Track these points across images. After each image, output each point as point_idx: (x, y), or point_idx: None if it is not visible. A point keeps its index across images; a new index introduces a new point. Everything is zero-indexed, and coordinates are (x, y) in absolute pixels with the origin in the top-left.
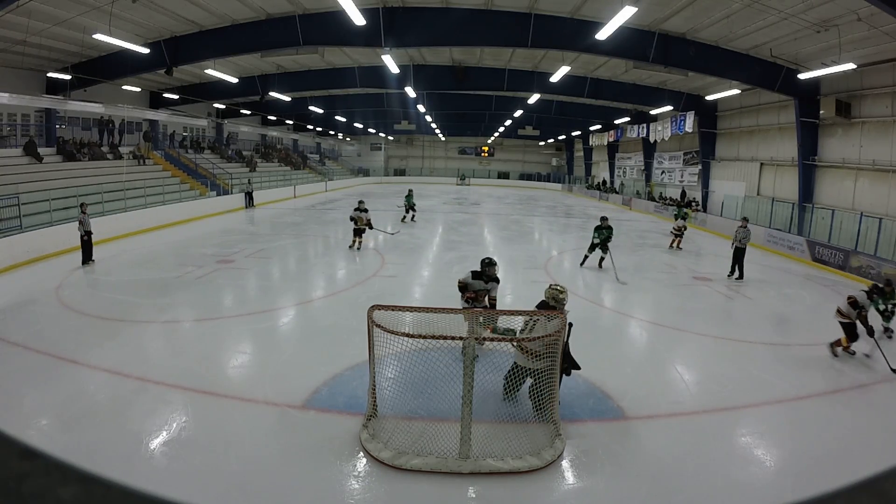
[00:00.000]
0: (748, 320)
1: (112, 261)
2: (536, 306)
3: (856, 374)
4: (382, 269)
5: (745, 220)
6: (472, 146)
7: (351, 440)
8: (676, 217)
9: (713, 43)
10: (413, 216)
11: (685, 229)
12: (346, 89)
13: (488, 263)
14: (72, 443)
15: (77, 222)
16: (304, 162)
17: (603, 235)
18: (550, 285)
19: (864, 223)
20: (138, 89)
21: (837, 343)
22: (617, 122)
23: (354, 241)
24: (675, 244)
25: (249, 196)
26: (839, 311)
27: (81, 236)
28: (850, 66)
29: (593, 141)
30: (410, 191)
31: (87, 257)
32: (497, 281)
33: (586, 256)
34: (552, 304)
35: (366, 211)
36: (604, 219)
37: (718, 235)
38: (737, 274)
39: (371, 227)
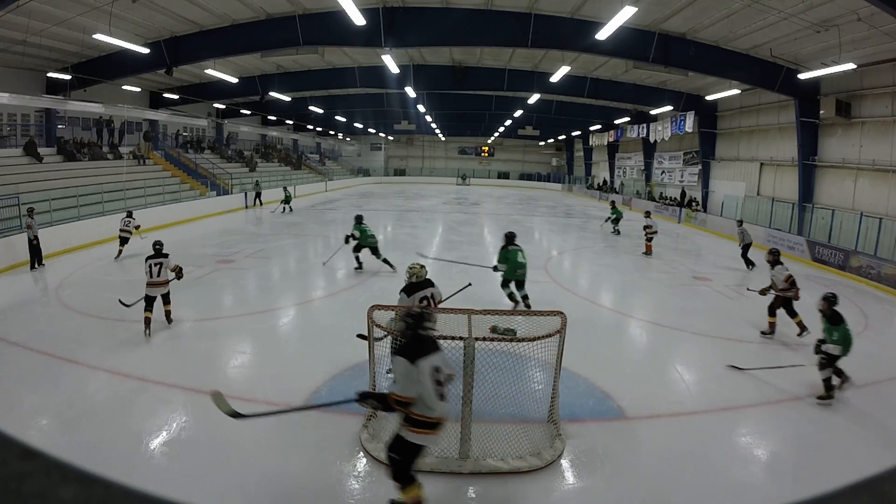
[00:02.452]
0: (748, 320)
1: (112, 260)
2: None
3: (856, 374)
4: (382, 268)
5: (739, 221)
6: (472, 146)
7: (351, 440)
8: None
9: (713, 43)
10: (284, 209)
11: (651, 229)
12: (346, 89)
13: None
14: (72, 443)
15: (25, 227)
16: (300, 162)
17: None
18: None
19: (864, 223)
20: (138, 89)
21: None
22: (617, 122)
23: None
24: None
25: (258, 196)
26: None
27: (30, 240)
28: (850, 66)
29: (593, 141)
30: (284, 187)
31: (35, 261)
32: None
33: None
34: (414, 280)
35: (132, 218)
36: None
37: (719, 235)
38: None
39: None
